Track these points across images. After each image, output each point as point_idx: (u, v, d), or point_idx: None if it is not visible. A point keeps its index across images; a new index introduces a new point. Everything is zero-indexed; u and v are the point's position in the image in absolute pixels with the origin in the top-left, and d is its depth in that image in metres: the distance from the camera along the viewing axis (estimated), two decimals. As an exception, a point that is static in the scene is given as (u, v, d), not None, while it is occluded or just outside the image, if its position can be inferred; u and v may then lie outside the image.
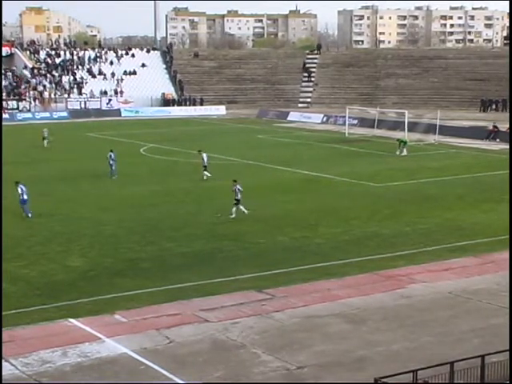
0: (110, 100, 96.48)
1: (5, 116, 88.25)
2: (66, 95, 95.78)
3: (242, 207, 34.06)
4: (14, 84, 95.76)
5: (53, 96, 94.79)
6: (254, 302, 22.63)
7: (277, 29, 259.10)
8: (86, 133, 72.67)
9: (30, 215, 34.11)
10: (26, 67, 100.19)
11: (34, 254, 28.15)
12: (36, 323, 20.75)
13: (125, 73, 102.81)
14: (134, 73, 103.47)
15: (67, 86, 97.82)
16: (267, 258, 27.63)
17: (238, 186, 34.15)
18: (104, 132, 72.95)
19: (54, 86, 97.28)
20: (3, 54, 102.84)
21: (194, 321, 21.05)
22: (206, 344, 19.42)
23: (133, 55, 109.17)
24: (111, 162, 44.89)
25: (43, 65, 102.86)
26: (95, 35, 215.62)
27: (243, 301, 22.73)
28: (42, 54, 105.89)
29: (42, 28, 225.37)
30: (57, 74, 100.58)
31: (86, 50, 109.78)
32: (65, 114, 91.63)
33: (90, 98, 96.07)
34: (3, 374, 17.47)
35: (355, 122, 76.56)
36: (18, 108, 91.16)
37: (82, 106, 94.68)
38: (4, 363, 18.03)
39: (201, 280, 24.75)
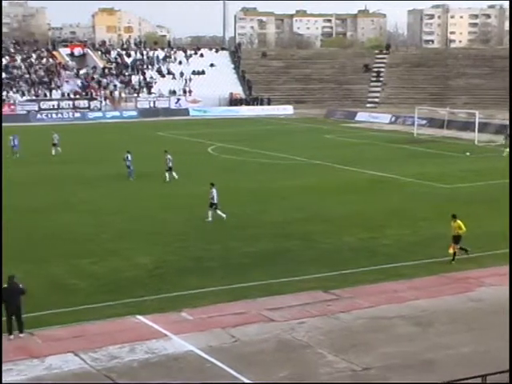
0: (178, 99, 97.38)
1: (76, 115, 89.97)
2: (135, 95, 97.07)
3: (218, 211, 33.57)
4: (86, 84, 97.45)
5: (123, 95, 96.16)
6: (320, 302, 22.55)
7: (345, 28, 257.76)
8: (155, 132, 73.49)
9: None
10: (95, 67, 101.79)
11: (104, 251, 28.58)
12: (105, 319, 21.07)
13: (193, 72, 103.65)
14: (203, 72, 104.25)
15: (137, 86, 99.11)
16: (334, 259, 27.51)
17: (213, 190, 33.65)
18: (172, 131, 73.68)
19: (124, 85, 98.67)
20: (76, 53, 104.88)
21: (259, 320, 21.08)
22: (272, 343, 19.43)
23: (201, 55, 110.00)
24: (128, 164, 44.65)
25: (114, 65, 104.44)
26: (165, 35, 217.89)
27: (309, 301, 22.67)
28: (113, 54, 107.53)
29: (114, 28, 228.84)
30: (127, 74, 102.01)
31: (155, 49, 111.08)
32: (134, 113, 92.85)
33: (159, 97, 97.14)
34: (74, 367, 17.83)
35: (424, 122, 75.65)
36: (89, 107, 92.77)
37: (151, 105, 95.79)
38: (74, 357, 18.38)
39: (267, 279, 24.77)
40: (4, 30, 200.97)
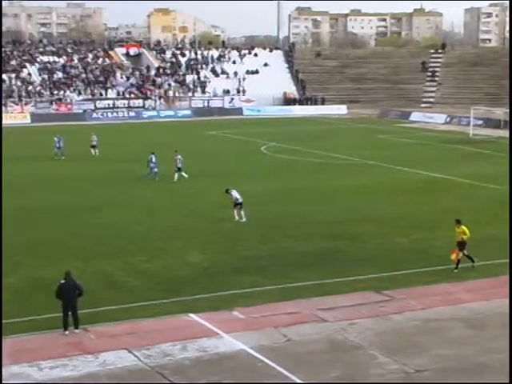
0: (232, 99, 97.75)
1: (131, 114, 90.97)
2: (189, 94, 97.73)
3: (242, 212, 33.46)
4: (141, 83, 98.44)
5: (177, 95, 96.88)
6: (372, 304, 22.45)
7: (400, 28, 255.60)
8: (209, 131, 73.89)
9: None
10: (149, 67, 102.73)
11: (157, 249, 28.85)
12: (157, 317, 21.27)
13: (247, 72, 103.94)
14: (257, 72, 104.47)
15: (191, 85, 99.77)
16: (386, 259, 27.34)
17: (233, 193, 33.69)
18: (226, 130, 74.02)
19: (178, 85, 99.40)
20: (131, 53, 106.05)
21: (311, 320, 21.08)
22: (324, 344, 19.41)
23: (255, 54, 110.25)
24: (152, 165, 44.46)
25: (168, 64, 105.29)
26: (219, 35, 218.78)
27: (361, 301, 22.59)
28: (168, 54, 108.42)
29: (169, 28, 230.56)
30: (181, 74, 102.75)
31: (209, 49, 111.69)
32: (188, 112, 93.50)
33: (213, 96, 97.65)
34: (127, 364, 18.06)
35: (480, 122, 74.67)
36: (143, 106, 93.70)
37: (205, 104, 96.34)
38: (127, 354, 18.61)
39: (319, 279, 24.75)
40: (62, 30, 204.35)
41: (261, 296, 23.12)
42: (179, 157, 43.97)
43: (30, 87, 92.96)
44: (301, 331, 20.21)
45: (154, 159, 44.54)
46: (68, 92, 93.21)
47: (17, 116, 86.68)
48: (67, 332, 19.90)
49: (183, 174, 43.69)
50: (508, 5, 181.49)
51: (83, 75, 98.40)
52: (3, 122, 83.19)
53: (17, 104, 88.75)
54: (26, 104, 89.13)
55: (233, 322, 21.03)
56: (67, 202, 37.57)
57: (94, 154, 53.98)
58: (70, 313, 19.97)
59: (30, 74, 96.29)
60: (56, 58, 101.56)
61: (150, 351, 18.78)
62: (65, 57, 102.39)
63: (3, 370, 17.54)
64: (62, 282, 20.15)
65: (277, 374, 17.61)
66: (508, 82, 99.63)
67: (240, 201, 33.45)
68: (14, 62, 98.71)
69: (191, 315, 21.32)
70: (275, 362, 18.12)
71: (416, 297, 22.99)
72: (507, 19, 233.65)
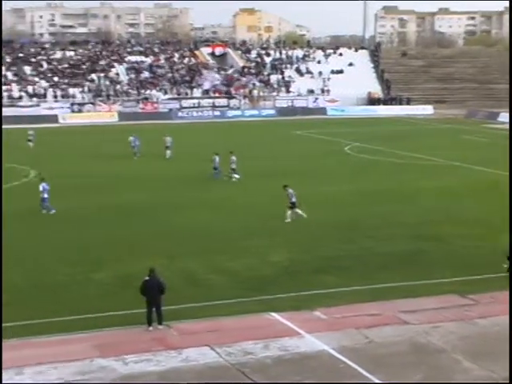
0: (316, 98, 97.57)
1: (216, 113, 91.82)
2: (274, 93, 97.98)
3: (298, 211, 33.26)
4: (225, 82, 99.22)
5: (261, 94, 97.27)
6: (457, 307, 22.08)
7: (490, 26, 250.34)
8: (293, 131, 73.93)
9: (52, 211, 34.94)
10: (233, 66, 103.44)
11: (238, 248, 29.03)
12: (239, 315, 21.41)
13: (332, 72, 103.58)
14: (341, 72, 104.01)
15: (276, 85, 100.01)
16: (470, 262, 26.80)
17: (289, 190, 33.41)
18: (310, 130, 73.94)
19: (263, 84, 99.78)
20: (217, 53, 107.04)
21: (394, 322, 20.87)
22: (406, 346, 19.20)
23: (340, 54, 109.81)
24: (215, 165, 44.48)
25: (253, 64, 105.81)
26: (304, 34, 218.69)
27: (445, 305, 22.24)
28: (253, 54, 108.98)
29: (254, 28, 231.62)
30: (266, 73, 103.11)
31: (294, 49, 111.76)
32: (272, 111, 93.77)
33: (297, 96, 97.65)
34: (209, 361, 18.24)
35: None
36: (228, 106, 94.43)
37: (289, 104, 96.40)
38: (209, 351, 18.80)
39: (402, 281, 24.48)
40: (149, 30, 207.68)
41: (343, 296, 23.02)
42: (233, 158, 44.08)
43: (118, 86, 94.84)
44: (383, 333, 20.04)
45: (217, 159, 44.67)
46: (154, 91, 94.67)
47: (105, 115, 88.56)
48: (151, 328, 20.24)
49: (235, 175, 43.83)
50: None
51: (169, 75, 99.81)
52: (93, 120, 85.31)
53: (105, 103, 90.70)
54: (113, 103, 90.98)
55: (314, 321, 21.00)
56: (149, 201, 38.17)
57: (167, 157, 53.40)
58: (153, 309, 20.31)
59: (117, 74, 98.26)
60: (143, 58, 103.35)
61: (232, 349, 18.92)
62: (152, 56, 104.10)
63: (93, 360, 18.00)
64: (147, 278, 20.50)
65: (358, 374, 17.51)
66: None
67: (293, 200, 33.29)
68: (102, 62, 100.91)
69: (273, 314, 21.38)
70: (357, 363, 18.02)
71: (502, 301, 22.45)
72: None
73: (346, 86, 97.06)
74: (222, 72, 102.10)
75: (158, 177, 45.74)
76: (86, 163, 51.85)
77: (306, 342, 19.49)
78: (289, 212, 33.23)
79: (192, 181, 44.10)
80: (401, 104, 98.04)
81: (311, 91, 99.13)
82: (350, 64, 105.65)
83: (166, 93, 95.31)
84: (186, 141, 62.68)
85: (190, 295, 23.01)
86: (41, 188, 35.13)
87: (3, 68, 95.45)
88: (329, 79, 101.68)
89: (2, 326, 19.71)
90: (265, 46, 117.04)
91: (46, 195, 35.07)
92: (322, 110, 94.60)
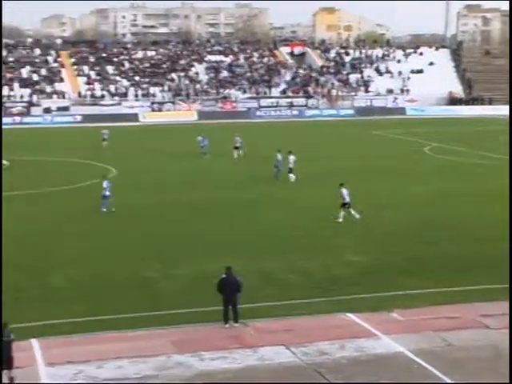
0: (395, 98, 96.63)
1: (294, 113, 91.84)
2: (352, 93, 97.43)
3: (352, 211, 32.84)
4: (304, 82, 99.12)
5: (340, 94, 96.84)
6: (539, 312, 21.49)
7: None
8: (371, 131, 73.37)
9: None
10: (311, 66, 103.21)
11: (315, 247, 28.94)
12: (316, 315, 21.33)
13: (412, 71, 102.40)
14: (421, 71, 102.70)
15: (354, 84, 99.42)
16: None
17: (343, 190, 33.04)
18: (388, 130, 73.26)
19: (341, 84, 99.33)
20: (296, 52, 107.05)
21: (474, 326, 20.47)
22: (486, 351, 18.80)
23: (421, 53, 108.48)
24: (276, 164, 44.10)
25: (332, 63, 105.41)
26: (384, 33, 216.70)
27: (527, 310, 21.68)
28: (332, 53, 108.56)
29: (334, 27, 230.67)
30: (345, 73, 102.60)
31: (374, 48, 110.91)
32: (351, 111, 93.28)
33: (376, 96, 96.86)
34: (284, 360, 18.23)
35: None
36: (306, 105, 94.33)
37: (368, 103, 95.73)
38: (285, 350, 18.79)
39: (484, 284, 23.96)
40: (229, 30, 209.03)
41: (421, 298, 22.69)
42: (292, 157, 43.78)
43: (198, 86, 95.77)
44: (462, 336, 19.67)
45: (279, 157, 44.36)
46: (233, 90, 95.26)
47: (184, 113, 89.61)
48: (227, 325, 20.34)
49: (291, 175, 43.52)
50: None
51: (248, 74, 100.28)
52: (172, 118, 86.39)
53: (184, 102, 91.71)
54: (193, 102, 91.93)
55: (391, 323, 20.76)
56: (224, 199, 38.39)
57: (236, 157, 53.07)
58: (230, 307, 20.41)
59: (197, 73, 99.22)
60: (223, 58, 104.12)
61: (308, 349, 18.86)
62: (231, 56, 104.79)
63: (171, 356, 18.22)
64: (223, 276, 20.61)
65: (434, 377, 17.24)
66: None
67: (346, 200, 33.03)
68: (183, 62, 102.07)
69: (349, 315, 21.24)
70: (434, 366, 17.74)
71: None
72: None
73: (426, 86, 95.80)
74: (301, 71, 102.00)
75: (229, 176, 45.87)
76: (163, 161, 52.52)
77: (383, 343, 19.29)
78: (342, 212, 33.04)
79: (264, 180, 44.05)
80: (482, 104, 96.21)
81: (390, 91, 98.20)
82: (431, 63, 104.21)
83: (244, 92, 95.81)
84: (263, 140, 62.84)
85: (267, 294, 23.04)
86: (104, 185, 35.41)
87: (87, 67, 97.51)
88: (408, 79, 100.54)
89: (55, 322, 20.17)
90: (344, 45, 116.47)
91: (107, 193, 35.34)
92: (401, 110, 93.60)
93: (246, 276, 22.68)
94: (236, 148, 53.39)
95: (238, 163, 51.32)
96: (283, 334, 19.80)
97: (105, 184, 35.48)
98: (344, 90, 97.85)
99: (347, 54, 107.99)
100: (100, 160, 51.96)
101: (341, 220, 32.86)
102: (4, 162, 48.98)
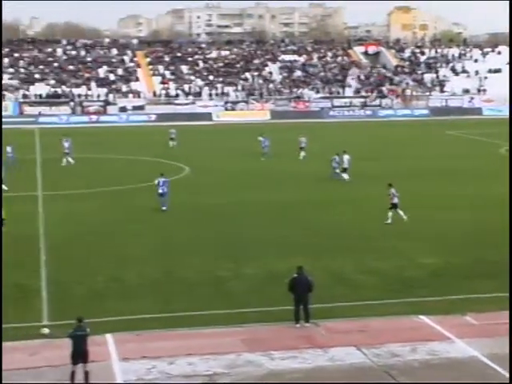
0: (472, 98, 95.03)
1: (367, 112, 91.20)
2: (427, 93, 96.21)
3: (400, 212, 32.42)
4: (378, 81, 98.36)
5: (414, 93, 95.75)
6: None
7: None
8: (446, 131, 72.36)
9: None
10: (384, 66, 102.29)
11: (387, 248, 28.69)
12: (387, 316, 21.17)
13: (489, 71, 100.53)
14: (499, 71, 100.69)
15: (429, 84, 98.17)
16: None
17: (392, 190, 32.69)
18: (463, 130, 72.11)
19: (416, 83, 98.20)
20: (370, 52, 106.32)
21: (549, 331, 19.99)
22: (562, 357, 18.35)
23: (499, 52, 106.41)
24: (334, 165, 43.95)
25: (407, 63, 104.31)
26: (461, 32, 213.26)
27: None
28: (407, 53, 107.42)
29: (409, 27, 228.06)
30: (420, 72, 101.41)
31: (450, 47, 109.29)
32: (425, 111, 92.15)
33: (452, 95, 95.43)
34: (355, 361, 18.16)
35: None
36: (380, 105, 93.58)
37: (443, 103, 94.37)
38: (356, 351, 18.71)
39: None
40: (303, 29, 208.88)
41: (494, 302, 22.23)
42: (347, 157, 43.71)
43: (271, 85, 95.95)
44: (537, 342, 19.23)
45: (337, 159, 44.26)
46: (306, 90, 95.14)
47: (257, 113, 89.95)
48: (298, 325, 20.35)
49: (344, 175, 43.36)
50: None
51: (322, 74, 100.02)
52: (245, 118, 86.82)
53: (258, 101, 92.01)
54: (266, 101, 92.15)
55: (465, 327, 20.45)
56: (294, 199, 38.38)
57: (302, 157, 52.67)
58: (301, 306, 20.41)
59: (271, 73, 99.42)
60: (296, 57, 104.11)
61: (379, 350, 18.74)
62: (305, 56, 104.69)
63: (241, 354, 18.34)
64: (295, 276, 20.62)
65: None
66: None
67: (394, 201, 32.79)
68: (256, 61, 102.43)
69: (421, 317, 21.01)
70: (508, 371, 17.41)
71: None
72: None
73: (504, 86, 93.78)
74: (375, 71, 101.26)
75: (296, 176, 45.58)
76: (236, 160, 52.78)
77: (456, 347, 19.02)
78: (390, 213, 32.79)
79: (331, 179, 43.87)
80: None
81: (466, 91, 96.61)
82: (509, 62, 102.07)
83: (317, 92, 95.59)
84: (334, 140, 62.52)
85: (338, 294, 22.96)
86: (160, 183, 35.46)
87: (162, 67, 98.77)
88: (485, 78, 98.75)
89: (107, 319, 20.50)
90: (419, 44, 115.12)
91: (162, 190, 35.36)
92: (478, 110, 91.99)
93: (317, 276, 22.66)
94: (301, 149, 53.32)
95: (305, 163, 51.13)
96: (354, 335, 19.71)
97: (161, 182, 35.52)
98: (419, 90, 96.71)
99: (422, 53, 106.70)
100: (173, 158, 52.55)
101: (389, 221, 32.65)
102: (70, 159, 50.04)
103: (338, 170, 44.16)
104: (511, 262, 25.24)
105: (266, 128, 76.12)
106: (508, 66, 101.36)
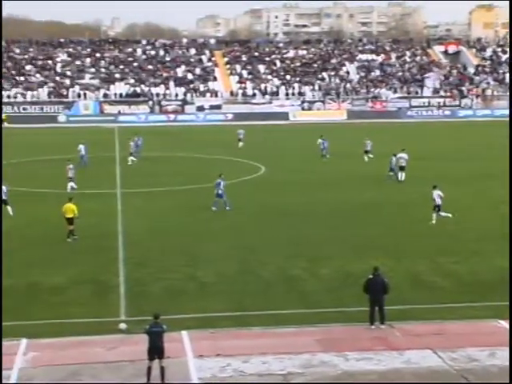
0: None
1: (446, 113, 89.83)
2: (508, 93, 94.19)
3: (442, 213, 32.16)
4: (458, 81, 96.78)
5: (495, 93, 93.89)
6: None
7: None
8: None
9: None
10: (465, 66, 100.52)
11: (466, 250, 28.19)
12: (465, 320, 20.79)
13: None
14: None
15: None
16: None
17: (438, 192, 32.34)
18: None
19: (497, 83, 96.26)
20: (450, 51, 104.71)
21: None
22: None
23: None
24: (393, 167, 43.56)
25: (488, 62, 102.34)
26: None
27: None
28: (488, 52, 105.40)
29: (490, 25, 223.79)
30: (501, 72, 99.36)
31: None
32: (506, 111, 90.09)
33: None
34: (431, 364, 17.89)
35: None
36: (459, 105, 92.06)
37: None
38: (432, 354, 18.43)
39: None
40: (381, 28, 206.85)
41: None
42: (403, 155, 43.44)
43: (348, 85, 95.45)
44: None
45: (394, 161, 43.77)
46: (384, 90, 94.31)
47: (334, 113, 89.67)
48: (373, 326, 20.17)
49: (401, 174, 43.02)
50: None
51: (399, 73, 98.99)
52: (321, 117, 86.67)
53: (334, 101, 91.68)
54: (343, 101, 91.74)
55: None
56: (370, 199, 38.14)
57: (367, 160, 51.94)
58: (376, 308, 20.23)
59: (348, 72, 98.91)
60: (374, 57, 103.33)
61: (456, 354, 18.42)
62: (383, 55, 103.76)
63: (316, 355, 18.26)
64: (370, 277, 20.44)
65: None
66: None
67: (437, 203, 32.44)
68: (334, 61, 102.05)
69: (501, 322, 20.56)
70: None
71: None
72: None
73: None
74: (454, 71, 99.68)
75: (366, 177, 45.21)
76: (310, 160, 52.62)
77: (536, 353, 18.53)
78: (434, 214, 32.61)
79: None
80: None
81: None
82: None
83: (395, 91, 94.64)
84: (411, 140, 61.79)
85: (414, 296, 22.67)
86: (220, 184, 35.46)
87: (239, 66, 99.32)
88: None
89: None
90: (501, 43, 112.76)
91: (220, 191, 35.41)
92: None
93: (393, 277, 22.46)
94: (366, 152, 52.49)
95: (378, 164, 50.58)
96: (430, 338, 19.42)
97: (221, 183, 35.56)
98: (500, 90, 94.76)
99: (504, 52, 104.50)
100: (248, 157, 52.75)
101: (433, 222, 32.47)
102: (133, 158, 50.46)
103: (391, 173, 43.77)
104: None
105: (342, 128, 75.95)
106: None
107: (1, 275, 24.05)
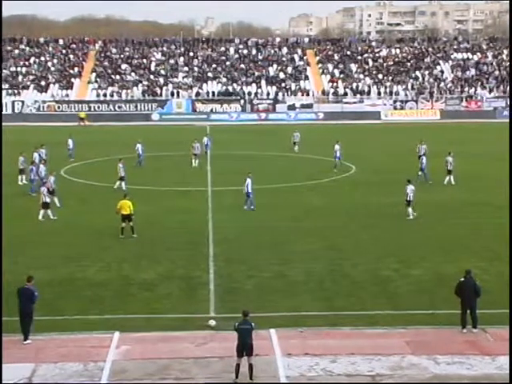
0: None
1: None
2: None
3: (410, 209, 32.95)
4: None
5: None
6: None
7: None
8: None
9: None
10: None
11: None
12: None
13: None
14: None
15: None
16: None
17: (411, 187, 33.36)
18: None
19: None
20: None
21: None
22: None
23: None
24: (422, 167, 42.55)
25: None
26: None
27: None
28: None
29: None
30: None
31: None
32: None
33: None
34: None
35: None
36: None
37: None
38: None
39: None
40: (477, 26, 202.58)
41: None
42: (449, 158, 42.42)
43: (442, 84, 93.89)
44: None
45: (424, 161, 43.08)
46: (479, 89, 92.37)
47: (426, 112, 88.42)
48: (465, 330, 19.80)
49: (450, 177, 42.12)
50: None
51: (496, 72, 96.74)
52: (414, 117, 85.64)
53: (427, 100, 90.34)
54: (436, 101, 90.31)
55: None
56: (468, 200, 37.39)
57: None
58: (468, 311, 19.85)
59: (442, 71, 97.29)
60: (470, 55, 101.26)
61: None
62: (479, 54, 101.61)
63: (405, 357, 18.05)
64: (462, 279, 20.06)
65: None
66: None
67: (409, 198, 32.95)
68: (427, 60, 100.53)
69: None
70: None
71: None
72: None
73: None
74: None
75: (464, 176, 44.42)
76: (401, 160, 51.86)
77: None
78: (409, 209, 32.87)
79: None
80: None
81: None
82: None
83: (491, 91, 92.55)
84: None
85: (507, 300, 22.09)
86: (248, 183, 35.16)
87: (331, 65, 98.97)
88: None
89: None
90: None
91: (248, 190, 35.07)
92: None
93: (487, 280, 22.03)
94: (420, 156, 48.62)
95: (475, 163, 49.62)
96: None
97: (249, 183, 35.05)
98: None
99: None
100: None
101: (411, 217, 32.83)
102: (197, 160, 49.78)
103: (425, 171, 42.77)
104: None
105: (435, 128, 74.73)
106: None
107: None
